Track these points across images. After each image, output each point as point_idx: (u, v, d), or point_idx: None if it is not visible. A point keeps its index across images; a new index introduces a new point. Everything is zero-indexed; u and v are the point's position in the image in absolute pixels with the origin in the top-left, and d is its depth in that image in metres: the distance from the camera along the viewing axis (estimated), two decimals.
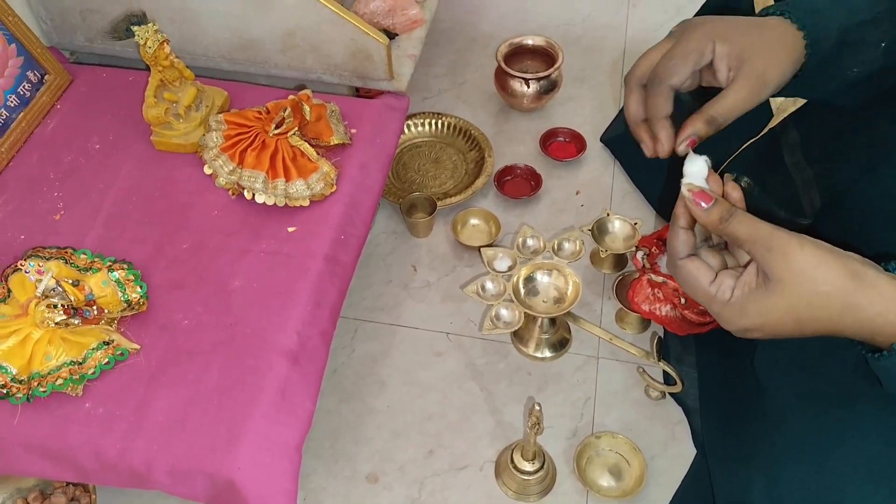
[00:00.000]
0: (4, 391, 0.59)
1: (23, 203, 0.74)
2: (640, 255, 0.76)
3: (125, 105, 0.81)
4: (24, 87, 0.80)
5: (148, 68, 0.75)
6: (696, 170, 0.49)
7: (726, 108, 0.52)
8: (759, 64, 0.52)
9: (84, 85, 0.84)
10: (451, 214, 0.91)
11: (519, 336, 0.80)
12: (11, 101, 0.78)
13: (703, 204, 0.47)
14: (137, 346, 0.63)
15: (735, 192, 0.50)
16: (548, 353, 0.80)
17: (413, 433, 0.76)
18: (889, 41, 0.55)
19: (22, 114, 0.79)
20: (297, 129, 0.74)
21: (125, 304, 0.65)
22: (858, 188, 0.62)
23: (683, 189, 0.48)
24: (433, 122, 1.01)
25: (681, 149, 0.52)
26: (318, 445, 0.75)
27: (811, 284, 0.45)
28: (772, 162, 0.74)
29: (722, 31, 0.53)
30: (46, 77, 0.82)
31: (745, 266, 0.47)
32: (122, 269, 0.66)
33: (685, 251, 0.49)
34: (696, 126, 0.52)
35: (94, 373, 0.60)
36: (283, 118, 0.74)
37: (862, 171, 0.62)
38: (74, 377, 0.60)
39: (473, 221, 0.91)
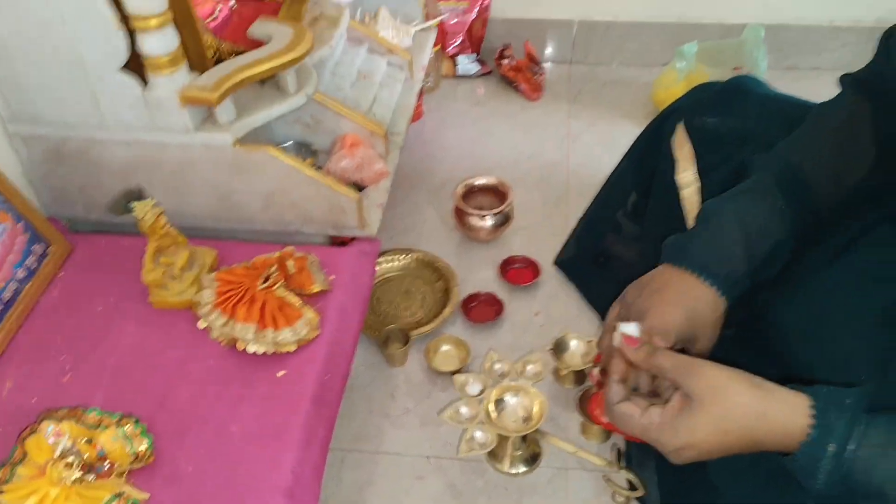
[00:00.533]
0: None
1: (33, 367, 0.80)
2: (595, 370, 0.84)
3: (123, 269, 0.90)
4: (30, 259, 0.88)
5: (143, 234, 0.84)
6: (630, 329, 0.60)
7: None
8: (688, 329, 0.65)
9: (84, 253, 0.93)
10: (423, 343, 1.00)
11: (494, 454, 0.87)
12: (20, 274, 0.86)
13: (632, 347, 0.57)
14: (147, 496, 0.69)
15: (659, 340, 0.61)
16: (521, 469, 0.87)
17: None
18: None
19: (29, 284, 0.87)
20: (282, 281, 0.84)
21: (133, 457, 0.71)
22: (776, 308, 0.73)
23: (616, 338, 0.59)
24: (401, 257, 1.11)
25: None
26: None
27: (726, 396, 0.55)
28: None
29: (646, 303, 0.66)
30: (49, 248, 0.91)
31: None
32: (130, 423, 0.73)
33: (618, 398, 0.60)
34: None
35: None
36: (270, 274, 0.83)
37: (779, 293, 0.73)
38: None
39: (444, 348, 1.00)
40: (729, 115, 0.88)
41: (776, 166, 0.73)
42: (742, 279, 0.68)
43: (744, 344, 0.71)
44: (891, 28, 0.68)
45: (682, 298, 0.66)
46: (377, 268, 1.09)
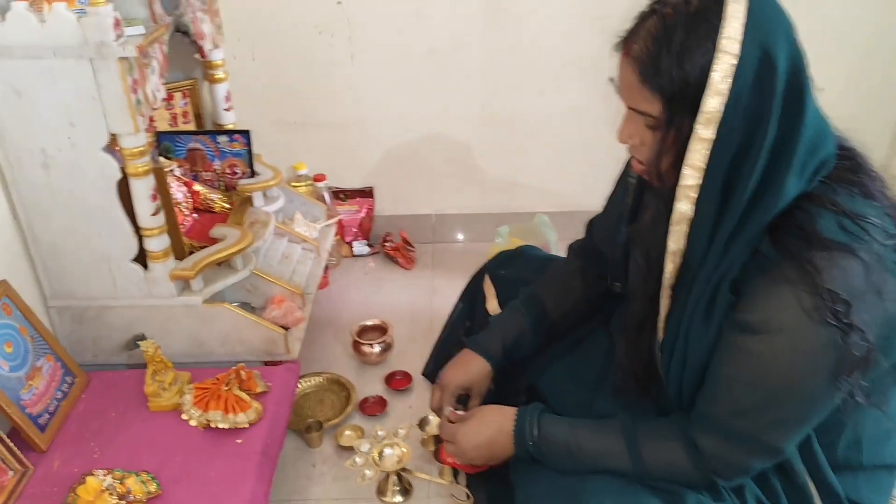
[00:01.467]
0: None
1: (72, 452, 1.22)
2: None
3: (124, 390, 1.35)
4: (64, 386, 1.32)
5: (135, 366, 1.31)
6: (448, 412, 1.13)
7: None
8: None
9: (96, 381, 1.37)
10: (332, 431, 1.46)
11: (381, 491, 1.32)
12: (58, 395, 1.30)
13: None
14: None
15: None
16: (399, 499, 1.31)
17: None
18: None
19: (64, 402, 1.30)
20: (237, 385, 1.31)
21: (147, 494, 1.14)
22: (541, 377, 1.26)
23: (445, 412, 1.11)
24: (316, 378, 1.59)
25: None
26: None
27: (482, 413, 1.07)
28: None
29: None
30: (75, 379, 1.35)
31: None
32: (144, 473, 1.16)
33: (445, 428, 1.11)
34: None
35: None
36: (230, 380, 1.31)
37: (542, 369, 1.26)
38: None
39: (347, 432, 1.46)
40: (512, 269, 1.46)
41: (526, 294, 1.30)
42: (499, 357, 1.22)
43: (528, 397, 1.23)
44: (591, 218, 1.28)
45: (466, 365, 1.19)
46: (299, 386, 1.56)
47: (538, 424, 1.07)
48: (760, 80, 0.85)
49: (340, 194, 2.03)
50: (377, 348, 1.62)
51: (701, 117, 0.86)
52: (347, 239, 2.04)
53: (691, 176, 0.89)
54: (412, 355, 1.67)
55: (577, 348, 1.30)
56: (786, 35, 0.87)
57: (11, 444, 1.16)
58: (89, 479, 1.14)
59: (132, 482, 1.14)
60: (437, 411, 1.21)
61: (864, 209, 0.91)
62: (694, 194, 0.91)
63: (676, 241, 0.95)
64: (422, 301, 1.86)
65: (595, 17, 1.72)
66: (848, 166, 0.95)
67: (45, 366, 1.29)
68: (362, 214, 2.04)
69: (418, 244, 2.08)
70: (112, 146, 1.24)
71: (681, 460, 1.02)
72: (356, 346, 1.63)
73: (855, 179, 0.94)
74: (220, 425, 1.25)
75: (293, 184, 1.90)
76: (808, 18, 0.98)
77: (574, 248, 1.33)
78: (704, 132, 0.87)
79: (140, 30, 1.20)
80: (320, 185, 1.93)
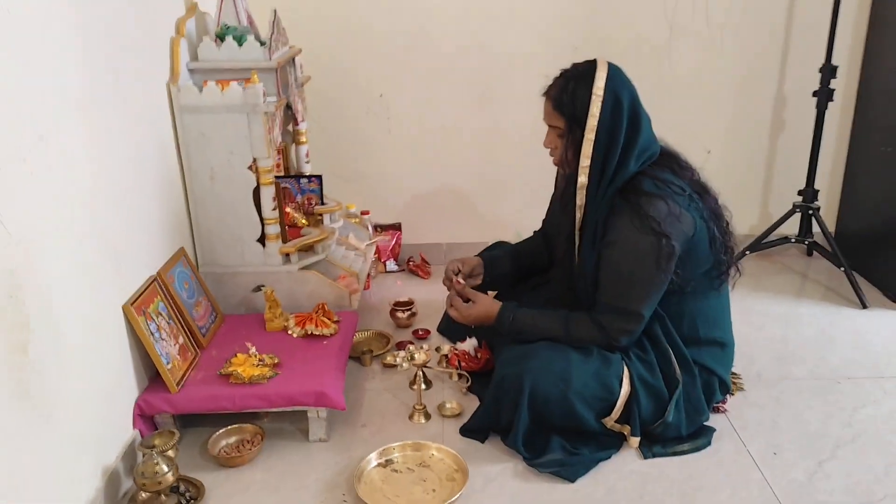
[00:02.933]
0: None
1: (222, 349, 1.97)
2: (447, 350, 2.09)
3: (248, 322, 2.11)
4: (211, 316, 2.09)
5: (249, 313, 2.08)
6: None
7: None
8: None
9: (230, 320, 2.14)
10: (378, 359, 2.20)
11: (411, 384, 2.04)
12: (209, 320, 2.06)
13: (458, 286, 1.88)
14: (277, 360, 1.86)
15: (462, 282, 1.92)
16: (423, 386, 2.04)
17: None
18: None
19: (212, 325, 2.07)
20: (322, 314, 2.07)
21: (274, 363, 1.88)
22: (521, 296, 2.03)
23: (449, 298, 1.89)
24: (366, 332, 2.35)
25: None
26: None
27: (482, 300, 1.85)
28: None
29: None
30: (217, 315, 2.12)
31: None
32: (270, 355, 1.91)
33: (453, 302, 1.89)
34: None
35: None
36: (318, 309, 2.07)
37: (519, 300, 2.04)
38: None
39: (388, 357, 2.20)
40: (496, 250, 2.25)
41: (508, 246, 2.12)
42: (486, 260, 2.06)
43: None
44: (543, 218, 2.11)
45: (477, 260, 2.00)
46: (357, 335, 2.31)
47: (513, 312, 1.84)
48: (614, 110, 1.70)
49: (378, 227, 2.85)
50: (406, 313, 2.39)
51: (586, 129, 1.70)
52: (383, 259, 2.84)
53: (585, 159, 1.72)
54: (430, 322, 2.42)
55: (536, 288, 2.08)
56: (628, 88, 1.73)
57: (198, 334, 1.93)
58: (239, 354, 1.89)
59: (264, 356, 1.89)
60: (447, 281, 1.99)
61: (669, 177, 1.73)
62: (586, 171, 1.73)
63: (580, 199, 1.77)
64: (434, 296, 2.62)
65: None
66: (665, 159, 1.78)
67: (202, 301, 2.07)
68: (393, 242, 2.85)
69: (433, 264, 2.87)
70: (252, 167, 2.08)
71: (592, 332, 1.78)
72: (392, 312, 2.40)
73: (667, 164, 1.77)
74: (314, 332, 2.01)
75: (347, 217, 2.73)
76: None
77: (536, 231, 2.15)
78: (589, 136, 1.70)
79: (273, 99, 2.07)
80: (366, 217, 2.76)
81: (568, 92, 1.73)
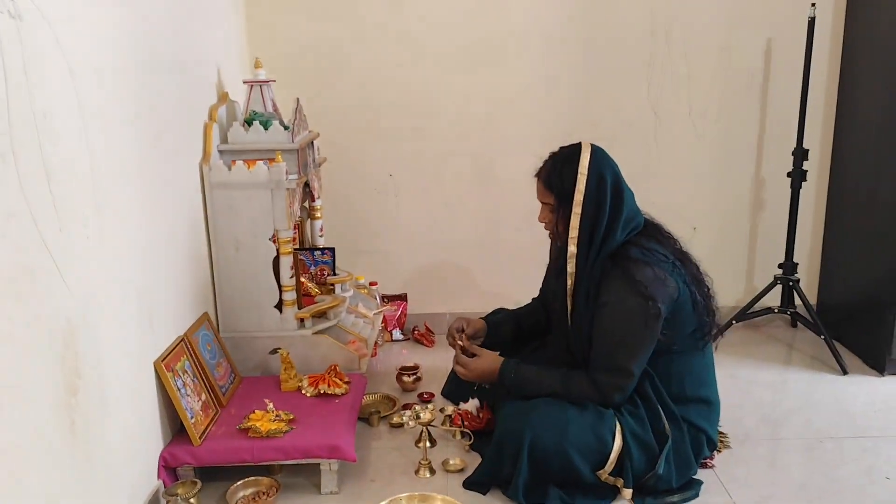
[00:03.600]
0: None
1: (240, 407, 2.11)
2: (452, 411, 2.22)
3: (265, 383, 2.25)
4: (230, 377, 2.23)
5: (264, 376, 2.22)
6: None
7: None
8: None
9: (247, 380, 2.28)
10: (385, 420, 2.32)
11: (417, 441, 2.16)
12: (229, 381, 2.20)
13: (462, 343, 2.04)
14: (293, 417, 1.98)
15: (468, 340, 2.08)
16: (428, 444, 2.15)
17: None
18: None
19: (231, 386, 2.21)
20: (334, 374, 2.22)
21: (290, 419, 2.01)
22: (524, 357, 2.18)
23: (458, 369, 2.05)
24: (374, 395, 2.48)
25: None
26: None
27: (485, 356, 2.00)
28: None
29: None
30: (235, 376, 2.26)
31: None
32: (286, 412, 2.04)
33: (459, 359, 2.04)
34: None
35: None
36: (331, 370, 2.22)
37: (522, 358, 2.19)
38: None
39: (395, 418, 2.32)
40: (498, 315, 2.41)
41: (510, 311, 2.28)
42: (491, 324, 2.19)
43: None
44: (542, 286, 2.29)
45: (481, 323, 2.15)
46: (365, 398, 2.44)
47: (515, 367, 1.99)
48: (597, 186, 1.90)
49: (385, 298, 3.02)
50: (412, 377, 2.52)
51: (574, 203, 1.89)
52: (389, 328, 3.00)
53: (573, 230, 1.91)
54: (434, 386, 2.55)
55: (535, 351, 2.23)
56: (610, 166, 1.93)
57: (219, 393, 2.07)
58: (257, 411, 2.02)
59: (281, 412, 2.03)
60: (451, 338, 2.14)
61: (654, 246, 1.92)
62: (575, 241, 1.92)
63: (571, 266, 1.95)
64: (439, 363, 2.76)
65: None
66: (650, 229, 1.97)
67: (222, 363, 2.21)
68: (399, 312, 3.01)
69: (437, 333, 3.03)
70: (273, 238, 2.27)
71: (587, 389, 1.92)
72: (398, 377, 2.54)
73: (652, 234, 1.96)
74: (327, 391, 2.15)
75: (357, 287, 2.90)
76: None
77: (534, 298, 2.32)
78: (577, 210, 1.90)
79: (295, 177, 2.28)
80: (374, 288, 2.93)
81: (556, 172, 1.93)
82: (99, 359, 1.52)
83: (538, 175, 1.98)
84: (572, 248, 1.93)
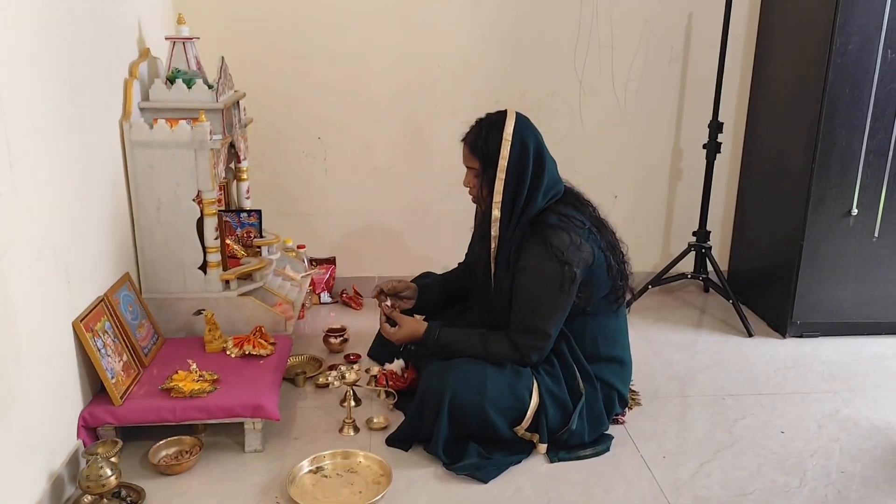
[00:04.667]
0: None
1: (162, 368, 2.10)
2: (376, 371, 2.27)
3: (188, 344, 2.24)
4: (153, 338, 2.21)
5: (188, 337, 2.22)
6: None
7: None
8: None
9: (170, 342, 2.27)
10: (310, 380, 2.36)
11: (342, 401, 2.21)
12: (152, 342, 2.19)
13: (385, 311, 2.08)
14: (217, 376, 2.00)
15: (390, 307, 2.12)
16: (353, 403, 2.20)
17: None
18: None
19: (153, 347, 2.19)
20: (259, 336, 2.23)
21: (213, 380, 2.02)
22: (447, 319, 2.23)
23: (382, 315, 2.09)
24: (300, 356, 2.50)
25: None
26: None
27: (409, 321, 2.05)
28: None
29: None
30: (158, 337, 2.25)
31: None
32: (209, 372, 2.05)
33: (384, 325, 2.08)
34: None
35: None
36: (255, 331, 2.23)
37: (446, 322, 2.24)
38: None
39: (321, 378, 2.36)
40: (427, 279, 2.46)
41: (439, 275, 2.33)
42: (420, 286, 2.24)
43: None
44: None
45: (413, 285, 2.20)
46: (291, 360, 2.46)
47: (437, 331, 2.04)
48: (520, 152, 1.95)
49: (313, 261, 3.03)
50: (339, 339, 2.56)
51: (498, 169, 1.94)
52: (317, 291, 3.01)
53: (497, 195, 1.96)
54: (361, 348, 2.59)
55: (461, 313, 2.29)
56: (533, 134, 1.99)
57: (140, 354, 2.06)
58: (180, 371, 2.03)
59: (204, 373, 2.03)
60: (378, 297, 2.19)
61: (570, 212, 1.98)
62: (499, 206, 1.97)
63: (494, 230, 2.00)
64: (366, 325, 2.80)
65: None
66: (568, 197, 2.04)
67: (145, 324, 2.20)
68: (327, 275, 3.03)
69: (365, 297, 3.06)
70: (197, 199, 2.25)
71: (506, 349, 1.99)
72: (325, 338, 2.57)
73: (570, 201, 2.02)
74: (252, 352, 2.16)
75: (284, 250, 2.90)
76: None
77: (460, 263, 2.37)
78: (500, 175, 1.94)
79: (219, 137, 2.26)
80: (302, 251, 2.93)
81: (482, 137, 1.98)
82: (12, 318, 1.50)
83: (465, 140, 2.02)
84: (496, 213, 1.98)
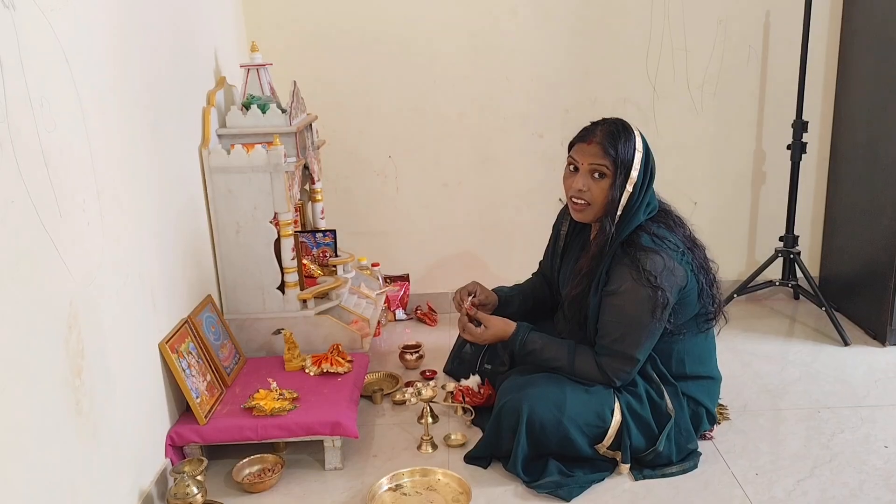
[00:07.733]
0: None
1: (245, 386, 2.14)
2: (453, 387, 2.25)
3: (268, 363, 2.29)
4: (234, 358, 2.27)
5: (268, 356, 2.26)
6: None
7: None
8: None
9: (251, 362, 2.32)
10: (388, 397, 2.36)
11: (419, 418, 2.20)
12: (233, 362, 2.24)
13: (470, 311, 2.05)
14: (297, 395, 2.02)
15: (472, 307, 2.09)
16: (430, 420, 2.19)
17: None
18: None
19: (235, 367, 2.25)
20: (336, 354, 2.25)
21: (294, 398, 2.05)
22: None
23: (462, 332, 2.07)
24: (377, 373, 2.51)
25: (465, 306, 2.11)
26: None
27: (495, 320, 2.01)
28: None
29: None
30: (240, 357, 2.30)
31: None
32: (290, 391, 2.08)
33: (465, 325, 2.05)
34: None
35: None
36: (333, 350, 2.25)
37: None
38: None
39: (398, 395, 2.36)
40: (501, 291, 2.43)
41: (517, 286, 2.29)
42: (502, 298, 2.19)
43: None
44: (540, 260, 2.30)
45: (490, 290, 2.16)
46: (366, 378, 2.48)
47: (527, 332, 2.00)
48: (646, 167, 1.88)
49: (387, 278, 3.05)
50: (415, 356, 2.56)
51: (628, 181, 1.85)
52: (392, 308, 3.03)
53: (619, 209, 1.86)
54: (437, 364, 2.58)
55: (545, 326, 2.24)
56: (648, 145, 1.90)
57: (223, 373, 2.11)
58: (261, 390, 2.06)
59: (284, 391, 2.06)
60: (458, 303, 2.12)
61: (665, 233, 1.90)
62: (613, 221, 1.88)
63: (595, 247, 1.92)
64: (441, 341, 2.79)
65: (545, 158, 2.85)
66: (662, 215, 1.95)
67: (226, 344, 2.25)
68: (402, 292, 3.04)
69: (439, 313, 3.06)
70: (274, 221, 2.29)
71: (593, 370, 1.93)
72: (401, 355, 2.57)
73: (663, 220, 1.93)
74: (330, 370, 2.19)
75: (359, 269, 2.93)
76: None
77: (534, 273, 2.33)
78: (629, 188, 1.86)
79: (293, 160, 2.30)
80: (376, 269, 2.95)
81: (620, 138, 1.84)
82: (103, 341, 1.56)
83: (589, 138, 1.86)
84: (607, 227, 1.87)
